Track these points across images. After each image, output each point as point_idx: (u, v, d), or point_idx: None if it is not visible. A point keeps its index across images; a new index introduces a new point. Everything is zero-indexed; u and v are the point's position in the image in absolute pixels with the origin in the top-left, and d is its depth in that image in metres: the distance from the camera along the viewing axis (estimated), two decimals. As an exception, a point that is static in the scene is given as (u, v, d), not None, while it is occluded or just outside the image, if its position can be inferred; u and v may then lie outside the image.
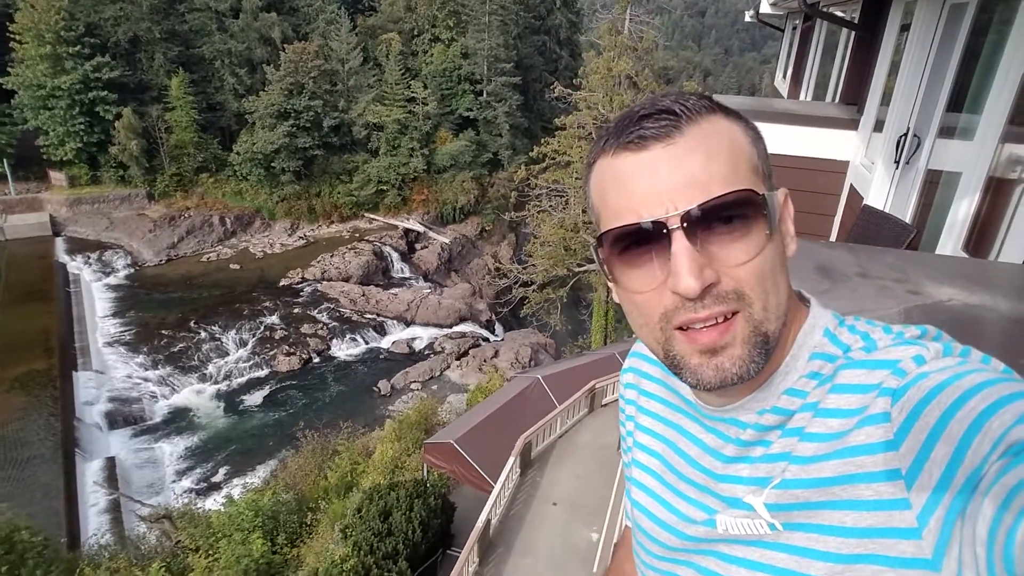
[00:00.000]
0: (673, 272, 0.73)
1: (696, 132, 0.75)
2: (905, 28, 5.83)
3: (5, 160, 40.22)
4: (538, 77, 56.44)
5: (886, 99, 6.07)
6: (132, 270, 38.14)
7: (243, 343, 32.62)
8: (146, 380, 29.39)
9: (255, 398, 29.87)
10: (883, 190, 5.61)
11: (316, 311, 35.60)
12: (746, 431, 0.83)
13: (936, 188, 4.88)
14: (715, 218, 0.73)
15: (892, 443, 0.67)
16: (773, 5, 12.52)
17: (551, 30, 60.18)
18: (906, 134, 5.33)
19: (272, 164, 44.17)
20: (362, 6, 54.55)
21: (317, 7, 50.01)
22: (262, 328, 33.70)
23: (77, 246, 39.07)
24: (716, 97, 0.86)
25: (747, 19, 15.04)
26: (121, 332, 32.44)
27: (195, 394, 29.56)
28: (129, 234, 40.41)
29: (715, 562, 0.85)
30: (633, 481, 1.03)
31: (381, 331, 35.55)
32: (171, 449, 26.41)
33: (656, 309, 0.76)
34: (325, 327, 34.45)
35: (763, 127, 0.84)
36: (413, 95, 47.41)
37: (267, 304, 35.46)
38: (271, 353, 32.19)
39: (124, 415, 27.22)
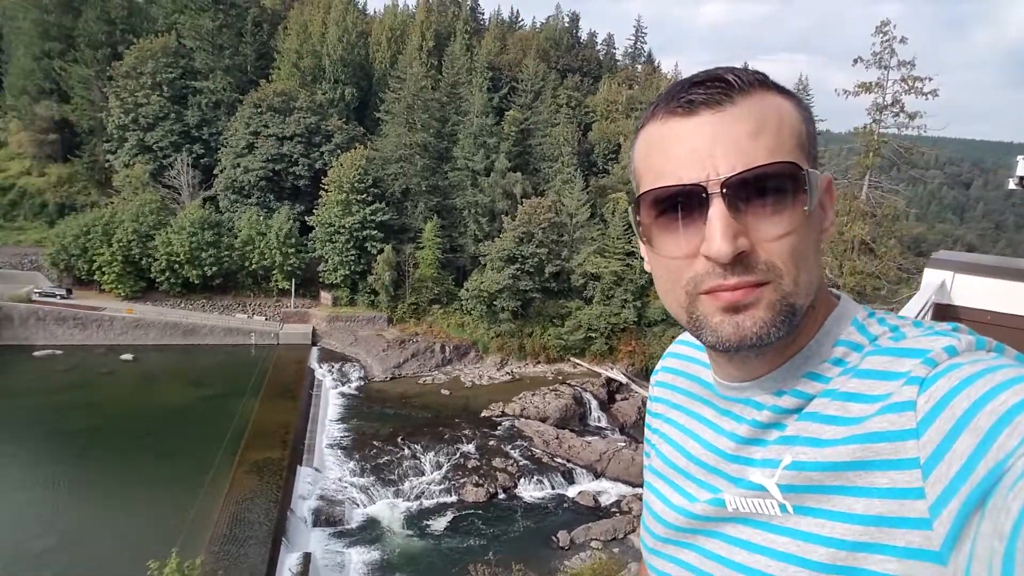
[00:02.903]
0: (707, 236, 0.73)
1: (747, 102, 0.75)
2: None
3: (293, 279, 49.60)
4: (764, 240, 55.12)
5: None
6: (362, 383, 43.00)
7: (438, 466, 34.00)
8: (352, 485, 31.80)
9: (440, 523, 30.37)
10: None
11: (510, 446, 36.11)
12: (762, 412, 0.82)
13: None
14: (755, 188, 0.73)
15: (914, 431, 0.66)
16: (1049, 172, 10.85)
17: (782, 195, 59.28)
18: None
19: (494, 302, 48.10)
20: (596, 169, 59.64)
21: (556, 168, 55.83)
22: (458, 454, 34.95)
23: (326, 356, 45.55)
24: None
25: (1011, 186, 13.19)
26: (342, 436, 36.07)
27: (389, 508, 31.06)
28: (367, 351, 46.10)
29: (719, 544, 0.85)
30: (648, 468, 1.05)
31: (569, 478, 34.56)
32: (359, 557, 27.59)
33: (686, 274, 0.77)
34: (515, 464, 34.58)
35: None
36: (633, 250, 49.07)
37: (466, 432, 36.98)
38: (461, 481, 32.96)
39: (327, 515, 29.44)
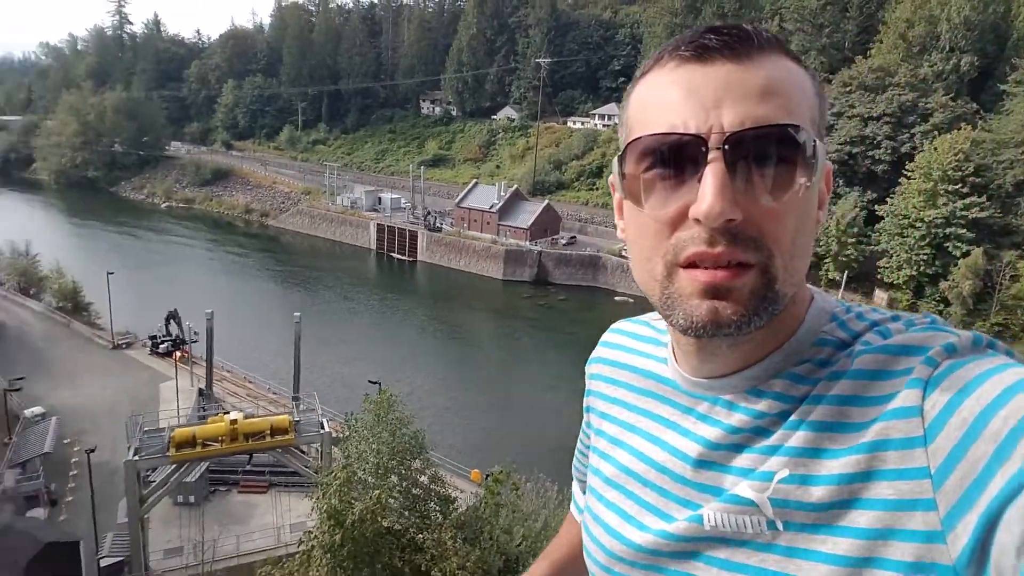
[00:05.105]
0: (700, 194, 0.65)
1: (765, 60, 0.69)
2: None
3: (846, 272, 45.90)
4: None
5: None
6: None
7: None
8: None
9: None
10: None
11: None
12: (735, 415, 0.75)
13: None
14: (760, 150, 0.66)
15: (922, 439, 0.61)
16: None
17: None
18: None
19: None
20: None
21: None
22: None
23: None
24: None
25: None
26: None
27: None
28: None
29: (696, 565, 0.75)
30: (595, 472, 0.94)
31: None
32: None
33: (667, 241, 0.69)
34: None
35: None
36: None
37: None
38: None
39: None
